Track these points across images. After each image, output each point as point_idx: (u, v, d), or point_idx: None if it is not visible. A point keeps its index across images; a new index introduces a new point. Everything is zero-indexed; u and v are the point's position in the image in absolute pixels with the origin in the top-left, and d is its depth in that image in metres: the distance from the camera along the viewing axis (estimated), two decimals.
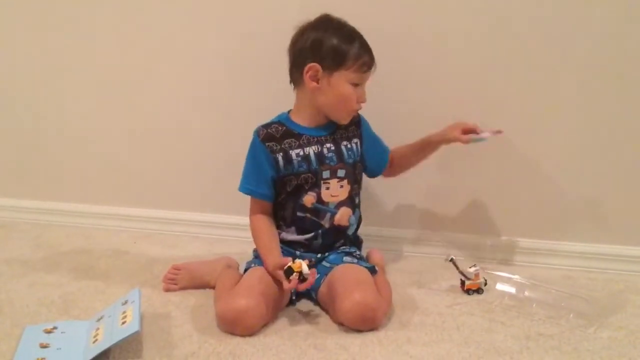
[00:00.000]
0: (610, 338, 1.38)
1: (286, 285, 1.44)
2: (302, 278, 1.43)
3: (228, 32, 1.94)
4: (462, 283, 1.63)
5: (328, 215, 1.61)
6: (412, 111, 1.85)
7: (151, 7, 2.01)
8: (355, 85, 1.57)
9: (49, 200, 2.28)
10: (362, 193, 1.72)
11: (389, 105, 1.84)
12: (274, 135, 1.62)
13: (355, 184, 1.65)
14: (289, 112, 1.66)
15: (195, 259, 1.78)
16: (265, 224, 1.63)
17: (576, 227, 1.81)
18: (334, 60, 1.55)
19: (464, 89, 1.80)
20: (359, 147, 1.67)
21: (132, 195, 2.20)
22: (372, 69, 1.59)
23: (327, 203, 1.61)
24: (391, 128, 1.80)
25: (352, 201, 1.65)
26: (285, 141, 1.61)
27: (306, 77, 1.56)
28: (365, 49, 1.57)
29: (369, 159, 1.70)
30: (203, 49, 1.99)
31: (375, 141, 1.73)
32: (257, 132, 1.63)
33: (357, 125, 1.68)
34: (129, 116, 2.13)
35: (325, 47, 1.55)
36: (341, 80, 1.56)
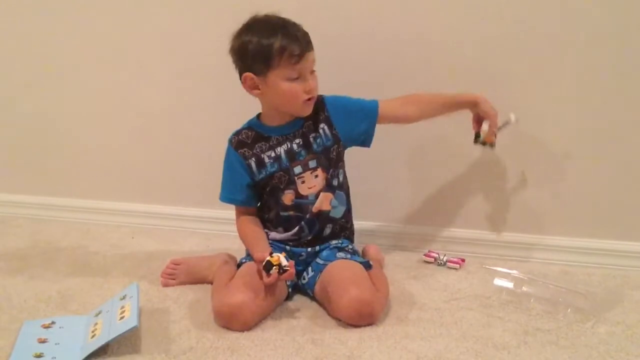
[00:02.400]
0: (607, 333, 1.39)
1: (266, 279, 1.44)
2: (282, 270, 1.43)
3: (220, 31, 1.93)
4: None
5: (310, 207, 1.60)
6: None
7: (149, 6, 2.01)
8: (295, 78, 1.51)
9: (46, 196, 2.28)
10: (361, 187, 1.72)
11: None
12: (245, 142, 1.62)
13: (331, 168, 1.61)
14: (258, 115, 1.65)
15: (194, 254, 1.79)
16: (249, 223, 1.64)
17: (574, 223, 1.82)
18: (261, 64, 1.50)
19: (460, 86, 1.80)
20: (327, 131, 1.61)
21: (130, 190, 2.20)
22: (305, 56, 1.49)
23: (307, 196, 1.60)
24: (389, 130, 1.80)
25: (330, 185, 1.61)
26: (257, 145, 1.61)
27: (246, 87, 1.55)
28: (290, 38, 1.48)
29: (350, 132, 1.63)
30: (199, 45, 1.98)
31: (350, 111, 1.62)
32: (230, 141, 1.64)
33: (321, 110, 1.62)
34: (126, 111, 2.13)
35: (249, 53, 1.50)
36: (277, 80, 1.51)
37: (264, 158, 1.60)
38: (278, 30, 1.49)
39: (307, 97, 1.53)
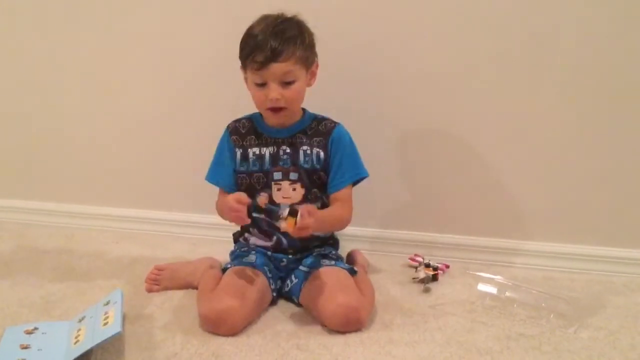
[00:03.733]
0: (590, 338, 1.40)
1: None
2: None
3: (213, 32, 1.93)
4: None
5: None
6: (396, 113, 1.86)
7: (142, 10, 2.00)
8: (261, 84, 1.52)
9: (30, 200, 2.26)
10: None
11: (373, 107, 1.85)
12: (239, 130, 1.64)
13: (315, 188, 1.61)
14: None
15: (178, 260, 1.78)
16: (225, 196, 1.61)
17: (557, 228, 1.83)
18: (241, 62, 1.55)
19: (448, 97, 1.81)
20: (321, 157, 1.60)
21: (115, 195, 2.19)
22: (269, 66, 1.48)
23: (279, 204, 1.59)
24: (375, 135, 1.81)
25: None
26: (247, 138, 1.62)
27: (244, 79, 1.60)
28: (261, 45, 1.48)
29: (330, 175, 1.61)
30: (188, 51, 1.98)
31: (349, 155, 1.61)
32: (228, 126, 1.66)
33: (325, 136, 1.61)
34: (112, 116, 2.12)
35: (239, 48, 1.55)
36: (249, 82, 1.56)
37: (249, 152, 1.61)
38: (260, 32, 1.50)
39: (268, 105, 1.53)
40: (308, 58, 1.55)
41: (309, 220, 1.40)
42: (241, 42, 1.54)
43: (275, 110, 1.54)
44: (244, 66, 1.55)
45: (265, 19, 1.53)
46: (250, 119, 1.65)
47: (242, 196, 1.47)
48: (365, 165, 1.65)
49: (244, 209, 1.45)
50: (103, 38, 2.05)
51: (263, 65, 1.48)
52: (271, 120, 1.59)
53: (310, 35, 1.57)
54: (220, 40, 1.88)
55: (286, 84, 1.52)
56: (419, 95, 1.84)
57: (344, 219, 1.61)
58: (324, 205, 1.63)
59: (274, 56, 1.48)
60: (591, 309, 1.54)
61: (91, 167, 2.19)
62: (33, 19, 2.10)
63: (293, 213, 1.39)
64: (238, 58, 1.56)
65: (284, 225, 1.41)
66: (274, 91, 1.51)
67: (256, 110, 1.64)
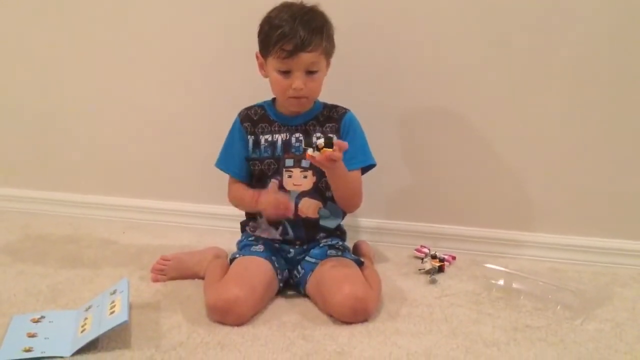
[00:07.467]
0: (596, 330, 1.39)
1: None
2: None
3: (220, 26, 1.93)
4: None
5: (291, 204, 1.59)
6: (402, 104, 1.85)
7: (148, 7, 2.00)
8: (285, 72, 1.52)
9: (37, 189, 2.27)
10: None
11: (382, 103, 1.85)
12: (251, 118, 1.64)
13: (325, 177, 1.57)
14: (274, 98, 1.66)
15: (185, 250, 1.78)
16: (241, 186, 1.65)
17: (564, 220, 1.82)
18: (262, 48, 1.55)
19: (455, 87, 1.81)
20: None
21: (122, 185, 2.19)
22: (298, 55, 1.48)
23: (289, 192, 1.60)
24: (382, 125, 1.80)
25: (320, 193, 1.61)
26: (259, 125, 1.63)
27: (257, 65, 1.60)
28: (290, 33, 1.47)
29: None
30: (196, 42, 1.98)
31: (351, 149, 1.51)
32: (239, 113, 1.66)
33: (337, 120, 1.62)
34: (119, 106, 2.12)
35: (260, 34, 1.55)
36: (270, 68, 1.54)
37: (261, 139, 1.61)
38: (287, 21, 1.49)
39: (292, 94, 1.54)
40: (330, 49, 1.57)
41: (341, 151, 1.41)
42: (263, 30, 1.54)
43: (297, 97, 1.55)
44: (267, 53, 1.54)
45: (288, 7, 1.53)
46: (262, 106, 1.66)
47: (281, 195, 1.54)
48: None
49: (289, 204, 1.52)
50: (110, 30, 2.05)
51: (292, 54, 1.48)
52: (293, 107, 1.59)
53: (332, 26, 1.57)
54: (230, 29, 1.89)
55: (310, 73, 1.52)
56: (426, 86, 1.83)
57: (358, 191, 1.61)
58: (331, 197, 1.63)
59: (304, 46, 1.48)
60: (598, 300, 1.54)
61: (98, 157, 2.19)
62: (40, 15, 2.10)
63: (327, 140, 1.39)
64: (258, 44, 1.56)
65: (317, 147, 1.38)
66: (299, 80, 1.51)
67: (266, 99, 1.64)
